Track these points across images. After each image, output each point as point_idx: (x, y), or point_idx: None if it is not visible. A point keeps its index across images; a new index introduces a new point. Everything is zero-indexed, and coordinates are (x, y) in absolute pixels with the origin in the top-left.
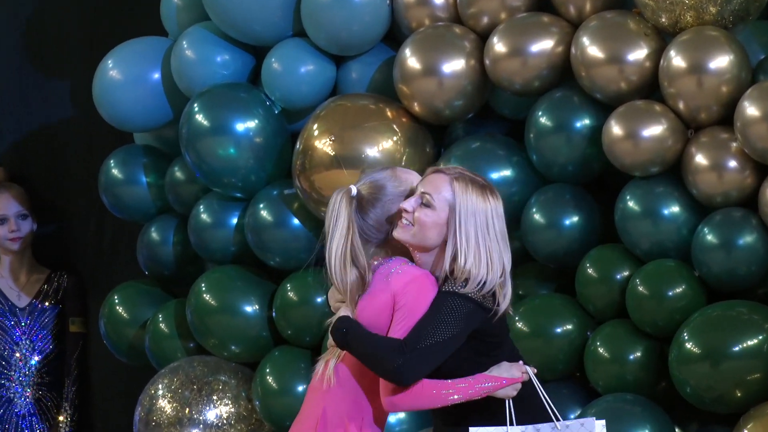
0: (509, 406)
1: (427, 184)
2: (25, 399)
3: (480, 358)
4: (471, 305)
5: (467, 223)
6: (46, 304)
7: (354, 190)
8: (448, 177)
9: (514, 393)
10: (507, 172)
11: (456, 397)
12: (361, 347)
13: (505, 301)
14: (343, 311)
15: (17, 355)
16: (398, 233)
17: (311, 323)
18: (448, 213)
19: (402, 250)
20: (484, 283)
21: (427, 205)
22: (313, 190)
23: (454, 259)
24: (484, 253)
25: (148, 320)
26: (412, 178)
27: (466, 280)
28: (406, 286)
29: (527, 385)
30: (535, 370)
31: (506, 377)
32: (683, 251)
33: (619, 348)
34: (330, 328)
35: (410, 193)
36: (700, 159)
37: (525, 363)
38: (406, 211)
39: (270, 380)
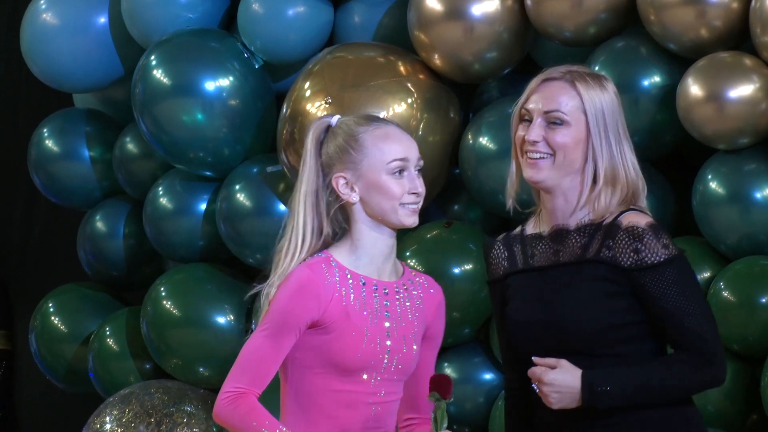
0: None
1: (544, 99)
2: None
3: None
4: None
5: (606, 128)
6: None
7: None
8: (565, 82)
9: None
10: None
11: None
12: (659, 391)
13: None
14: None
15: None
16: (532, 173)
17: None
18: (584, 124)
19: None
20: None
21: (559, 122)
22: None
23: (595, 180)
24: (630, 158)
25: (92, 334)
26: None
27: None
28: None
29: None
30: None
31: None
32: None
33: None
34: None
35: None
36: None
37: None
38: (533, 142)
39: None
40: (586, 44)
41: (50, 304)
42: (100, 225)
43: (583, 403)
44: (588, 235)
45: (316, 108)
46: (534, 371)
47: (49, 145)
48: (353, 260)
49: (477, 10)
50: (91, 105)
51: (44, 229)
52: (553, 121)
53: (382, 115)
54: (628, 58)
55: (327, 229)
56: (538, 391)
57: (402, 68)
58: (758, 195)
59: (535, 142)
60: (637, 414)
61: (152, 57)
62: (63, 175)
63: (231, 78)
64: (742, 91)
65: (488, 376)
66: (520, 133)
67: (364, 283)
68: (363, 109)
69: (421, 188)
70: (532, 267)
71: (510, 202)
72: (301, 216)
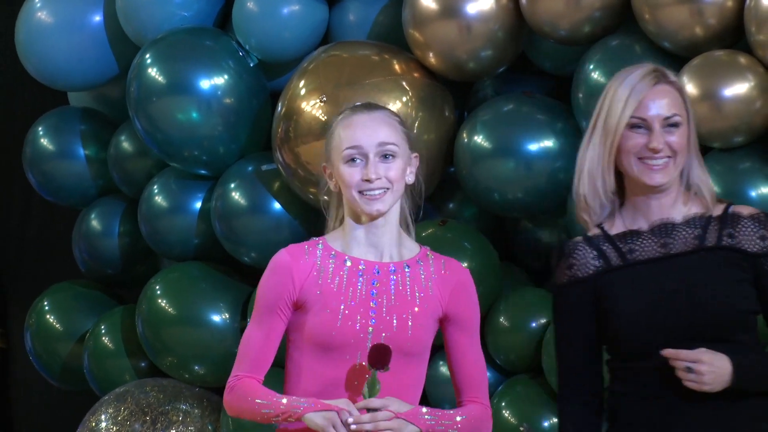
0: None
1: (660, 107)
2: None
3: None
4: None
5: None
6: None
7: None
8: (666, 84)
9: None
10: (549, 143)
11: None
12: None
13: None
14: None
15: None
16: (659, 178)
17: None
18: (686, 121)
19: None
20: None
21: (677, 125)
22: (299, 165)
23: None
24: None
25: (87, 333)
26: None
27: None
28: None
29: None
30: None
31: None
32: None
33: None
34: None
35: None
36: None
37: None
38: (655, 149)
39: None
40: (581, 42)
41: (45, 302)
42: (95, 223)
43: (733, 384)
44: (700, 226)
45: (311, 106)
46: (688, 353)
47: (44, 143)
48: (343, 243)
49: (472, 9)
50: (86, 103)
51: (39, 227)
52: (671, 125)
53: None
54: (623, 56)
55: (335, 212)
56: (690, 372)
57: (397, 66)
58: (753, 193)
59: (660, 149)
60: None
61: (147, 55)
62: (58, 173)
63: (226, 76)
64: (737, 89)
65: None
66: (637, 141)
67: (348, 264)
68: None
69: (374, 174)
70: (637, 261)
71: (593, 218)
72: (321, 201)
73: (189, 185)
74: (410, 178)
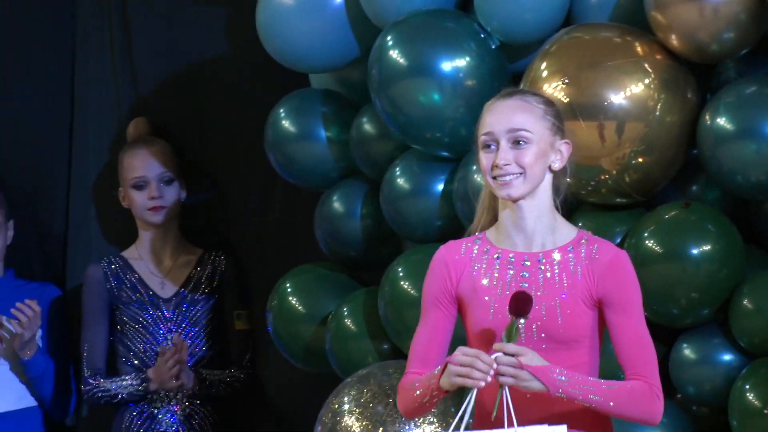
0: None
1: None
2: (171, 415)
3: None
4: None
5: None
6: (199, 293)
7: None
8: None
9: None
10: None
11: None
12: None
13: None
14: None
15: None
16: None
17: None
18: None
19: None
20: None
21: None
22: None
23: None
24: None
25: (329, 315)
26: None
27: None
28: None
29: None
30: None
31: None
32: None
33: None
34: None
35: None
36: None
37: None
38: None
39: None
40: None
41: (287, 285)
42: (337, 205)
43: None
44: None
45: (553, 88)
46: None
47: (286, 125)
48: (496, 235)
49: None
50: (328, 85)
51: (281, 209)
52: None
53: (620, 95)
54: None
55: (494, 203)
56: None
57: (639, 48)
58: None
59: None
60: None
61: (388, 37)
62: (299, 155)
63: (467, 58)
64: None
65: (727, 357)
66: None
67: (498, 257)
68: (600, 89)
69: (502, 160)
70: None
71: None
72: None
73: (431, 167)
74: (556, 165)
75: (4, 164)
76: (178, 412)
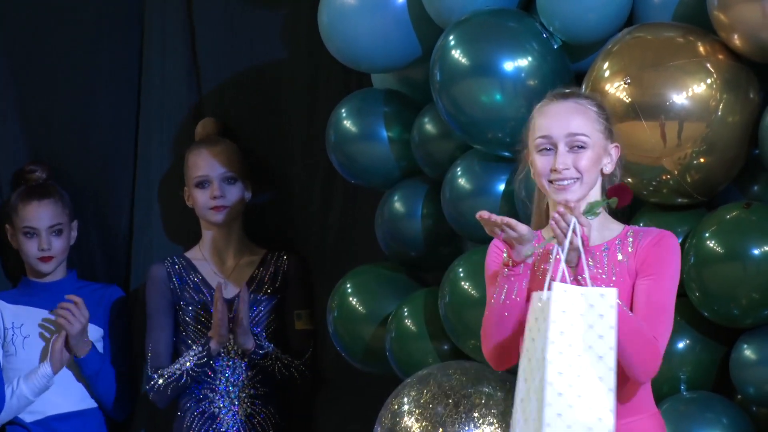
0: None
1: None
2: (232, 415)
3: None
4: None
5: None
6: (261, 293)
7: None
8: None
9: None
10: None
11: None
12: None
13: None
14: None
15: (223, 359)
16: None
17: None
18: None
19: None
20: None
21: None
22: None
23: None
24: None
25: (389, 315)
26: None
27: None
28: None
29: None
30: None
31: None
32: None
33: None
34: None
35: None
36: None
37: None
38: None
39: None
40: None
41: (348, 285)
42: (398, 205)
43: None
44: None
45: (615, 88)
46: None
47: (347, 125)
48: (548, 231)
49: None
50: (390, 85)
51: (342, 209)
52: None
53: (682, 95)
54: None
55: (544, 203)
56: None
57: (701, 48)
58: None
59: None
60: None
61: (450, 37)
62: (361, 155)
63: (530, 58)
64: None
65: None
66: None
67: (551, 252)
68: (662, 89)
69: (561, 165)
70: None
71: None
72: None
73: (492, 167)
74: (608, 168)
75: (69, 165)
76: (239, 413)
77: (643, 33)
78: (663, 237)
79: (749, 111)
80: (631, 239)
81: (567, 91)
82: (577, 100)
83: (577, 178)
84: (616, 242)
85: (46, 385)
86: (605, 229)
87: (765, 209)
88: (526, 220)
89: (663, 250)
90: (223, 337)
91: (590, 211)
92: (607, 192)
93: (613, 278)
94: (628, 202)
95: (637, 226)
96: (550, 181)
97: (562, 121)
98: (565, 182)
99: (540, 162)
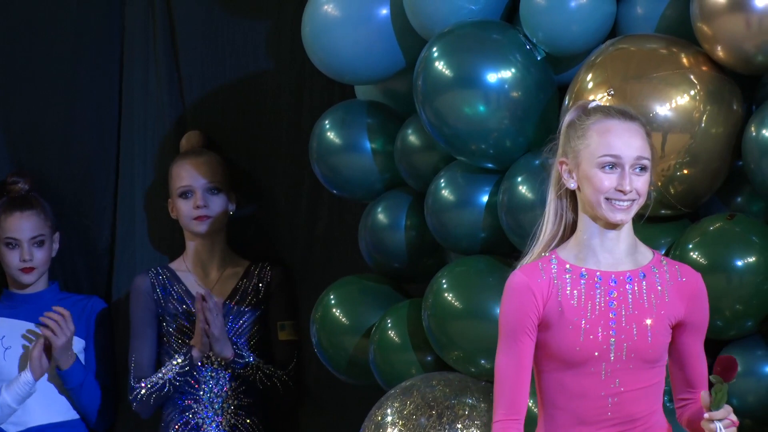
0: None
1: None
2: (216, 425)
3: None
4: None
5: None
6: (245, 305)
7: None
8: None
9: None
10: None
11: None
12: None
13: None
14: None
15: (207, 369)
16: None
17: None
18: None
19: None
20: None
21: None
22: None
23: None
24: None
25: (373, 326)
26: None
27: None
28: None
29: None
30: None
31: None
32: None
33: None
34: None
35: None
36: None
37: None
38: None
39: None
40: None
41: (331, 296)
42: (381, 217)
43: None
44: None
45: (599, 99)
46: None
47: (331, 137)
48: (576, 253)
49: (760, 2)
50: (373, 96)
51: (327, 220)
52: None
53: (666, 107)
54: None
55: (567, 216)
56: None
57: (685, 60)
58: None
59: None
60: None
61: (434, 49)
62: (344, 166)
63: (513, 70)
64: None
65: None
66: None
67: (584, 276)
68: (645, 100)
69: (629, 187)
70: None
71: None
72: (548, 201)
73: (476, 179)
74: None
75: (52, 176)
76: (223, 423)
77: (626, 44)
78: (704, 289)
79: (732, 122)
80: (667, 270)
81: (626, 110)
82: (640, 122)
83: (635, 200)
84: (652, 268)
85: (29, 392)
86: (636, 252)
87: (748, 221)
88: (511, 231)
89: (707, 305)
90: (205, 346)
91: (719, 403)
92: (716, 365)
93: (654, 309)
94: (731, 378)
95: (666, 256)
96: (608, 199)
97: (632, 143)
98: (626, 203)
99: (606, 179)
